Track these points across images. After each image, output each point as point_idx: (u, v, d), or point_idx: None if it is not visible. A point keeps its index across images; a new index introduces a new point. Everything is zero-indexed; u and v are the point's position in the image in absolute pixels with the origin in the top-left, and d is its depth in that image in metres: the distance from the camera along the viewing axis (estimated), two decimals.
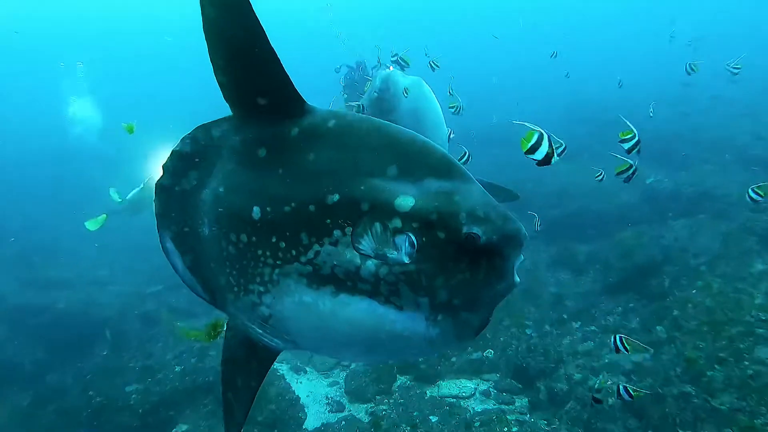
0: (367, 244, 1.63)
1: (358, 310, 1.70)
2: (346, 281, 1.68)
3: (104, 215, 9.23)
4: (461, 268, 1.61)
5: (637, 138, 4.24)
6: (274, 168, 1.82)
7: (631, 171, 4.46)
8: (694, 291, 5.66)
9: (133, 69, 42.87)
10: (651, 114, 7.41)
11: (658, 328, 5.58)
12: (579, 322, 6.77)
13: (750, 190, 4.81)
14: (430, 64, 4.28)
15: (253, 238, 1.83)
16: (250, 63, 1.85)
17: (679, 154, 10.35)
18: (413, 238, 1.60)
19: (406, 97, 3.96)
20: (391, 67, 4.72)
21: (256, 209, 1.81)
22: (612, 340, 3.98)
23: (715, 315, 4.98)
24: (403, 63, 4.44)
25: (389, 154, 1.71)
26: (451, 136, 4.75)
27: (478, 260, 1.62)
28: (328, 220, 1.68)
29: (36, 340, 8.72)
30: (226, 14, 1.79)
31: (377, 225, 1.63)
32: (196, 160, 2.06)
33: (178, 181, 2.09)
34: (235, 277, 1.92)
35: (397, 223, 1.62)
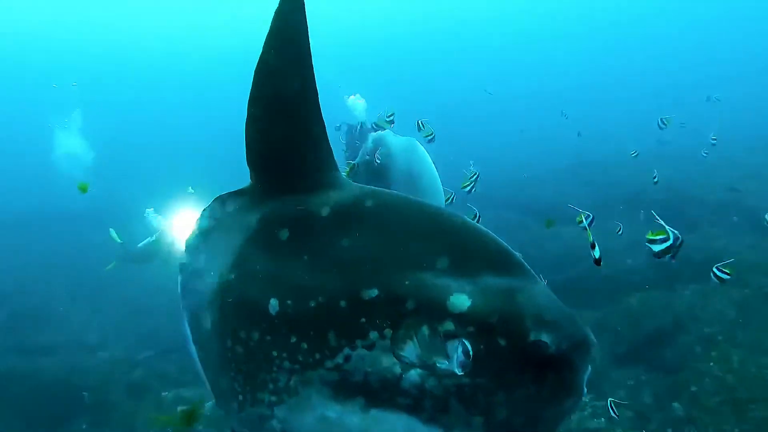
0: (411, 350, 1.36)
1: (394, 430, 1.41)
2: (382, 394, 1.40)
3: (113, 263, 9.21)
4: (525, 381, 1.34)
5: (672, 240, 3.67)
6: (299, 254, 1.56)
7: (589, 220, 4.01)
8: (711, 364, 5.29)
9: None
10: (655, 180, 7.24)
11: (675, 404, 5.18)
12: (588, 396, 6.34)
13: (715, 269, 4.32)
14: (418, 124, 4.13)
15: (268, 337, 1.54)
16: (295, 121, 1.65)
17: (685, 216, 10.13)
18: (468, 345, 1.33)
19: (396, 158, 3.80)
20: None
21: (273, 302, 1.54)
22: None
23: (737, 392, 4.61)
24: (383, 125, 4.30)
25: (439, 243, 1.46)
26: (452, 199, 4.53)
27: (545, 373, 1.35)
28: (363, 319, 1.41)
29: (16, 410, 8.30)
30: (288, 65, 1.62)
31: (425, 328, 1.36)
32: (208, 238, 1.86)
33: (192, 260, 1.89)
34: (241, 382, 1.62)
35: (450, 326, 1.35)
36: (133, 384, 8.93)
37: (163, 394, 8.59)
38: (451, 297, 1.36)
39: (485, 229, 1.54)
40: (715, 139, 10.95)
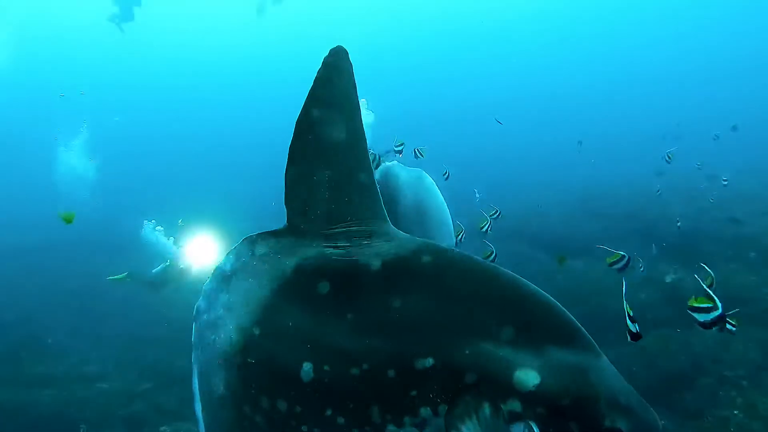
0: (470, 431, 1.21)
1: None
2: None
3: (126, 273, 9.16)
4: None
5: (720, 311, 3.30)
6: (342, 311, 1.38)
7: (623, 261, 3.77)
8: (735, 411, 4.99)
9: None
10: (678, 224, 7.01)
11: None
12: None
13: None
14: (415, 152, 3.97)
15: (297, 408, 1.34)
16: (341, 167, 1.50)
17: (700, 252, 9.86)
18: (536, 428, 1.20)
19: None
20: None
21: (307, 366, 1.35)
22: None
23: None
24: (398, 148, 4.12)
25: (502, 309, 1.31)
26: (462, 237, 4.31)
27: None
28: (414, 392, 1.25)
29: None
30: (336, 114, 1.51)
31: (486, 406, 1.22)
32: (230, 283, 1.63)
33: (209, 307, 1.68)
34: None
35: (516, 405, 1.21)
36: (131, 417, 8.70)
37: (161, 428, 8.35)
38: (516, 372, 1.22)
39: (546, 294, 1.38)
40: (726, 181, 10.84)
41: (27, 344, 12.26)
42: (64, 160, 17.99)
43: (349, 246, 1.48)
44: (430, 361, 1.24)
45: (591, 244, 11.24)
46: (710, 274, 3.64)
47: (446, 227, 3.84)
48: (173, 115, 45.71)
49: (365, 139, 1.54)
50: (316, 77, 1.51)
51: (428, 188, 3.80)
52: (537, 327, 1.28)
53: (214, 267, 1.75)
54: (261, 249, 1.61)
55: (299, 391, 1.34)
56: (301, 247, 1.54)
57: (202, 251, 9.10)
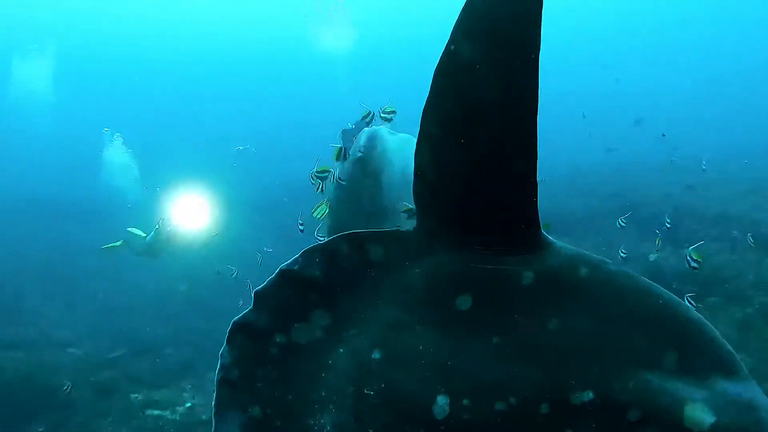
0: None
1: None
2: None
3: (121, 242, 8.95)
4: None
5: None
6: (485, 333, 1.15)
7: None
8: None
9: None
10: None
11: None
12: None
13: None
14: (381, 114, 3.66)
15: None
16: (494, 145, 1.16)
17: (684, 230, 9.84)
18: None
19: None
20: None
21: (442, 400, 1.11)
22: None
23: None
24: (387, 116, 3.80)
25: (665, 333, 1.12)
26: None
27: None
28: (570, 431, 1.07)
29: None
30: (501, 59, 1.08)
31: None
32: (328, 294, 1.28)
33: (284, 326, 1.29)
34: None
35: None
36: (101, 384, 8.49)
37: (132, 396, 8.17)
38: (686, 408, 1.03)
39: (699, 315, 1.17)
40: (705, 167, 10.86)
41: None
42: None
43: (492, 252, 1.23)
44: (589, 395, 1.06)
45: (572, 223, 11.22)
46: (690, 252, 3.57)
47: None
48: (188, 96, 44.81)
49: (536, 107, 1.10)
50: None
51: None
52: (701, 354, 1.10)
53: (280, 271, 1.32)
54: (377, 253, 1.30)
55: (432, 429, 1.11)
56: (432, 253, 1.27)
57: (190, 213, 8.95)
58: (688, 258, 4.05)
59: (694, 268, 4.04)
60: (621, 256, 6.99)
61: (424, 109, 1.19)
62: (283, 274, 1.30)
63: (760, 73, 39.53)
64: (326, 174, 3.88)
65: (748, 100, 37.22)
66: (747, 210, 10.50)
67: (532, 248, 1.22)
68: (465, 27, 1.08)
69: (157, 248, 9.37)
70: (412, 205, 3.40)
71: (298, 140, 28.78)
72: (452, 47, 1.09)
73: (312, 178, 3.92)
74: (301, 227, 5.31)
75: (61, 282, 13.22)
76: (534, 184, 1.20)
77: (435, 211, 1.27)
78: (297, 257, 1.32)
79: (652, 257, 8.81)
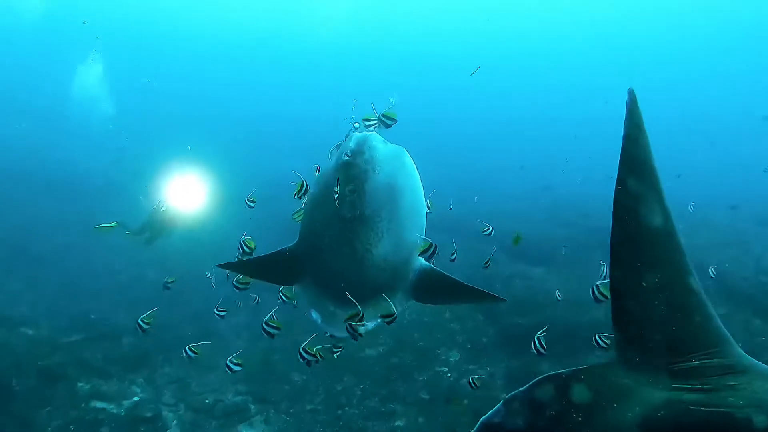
0: None
1: None
2: None
3: (115, 223, 8.70)
4: None
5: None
6: None
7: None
8: None
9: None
10: None
11: None
12: None
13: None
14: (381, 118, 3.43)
15: None
16: (668, 266, 1.21)
17: None
18: None
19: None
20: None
21: None
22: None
23: None
24: (387, 121, 3.53)
25: None
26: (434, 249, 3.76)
27: None
28: None
29: None
30: (645, 187, 1.23)
31: None
32: None
33: None
34: None
35: None
36: (48, 369, 8.13)
37: (78, 384, 7.84)
38: None
39: None
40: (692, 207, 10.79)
41: None
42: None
43: (706, 388, 1.14)
44: None
45: (551, 254, 11.08)
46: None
47: (418, 217, 3.39)
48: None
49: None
50: (625, 134, 1.23)
51: (406, 168, 3.33)
52: None
53: (482, 425, 1.28)
54: (581, 394, 1.21)
55: None
56: (641, 391, 1.18)
57: (185, 196, 8.76)
58: (596, 292, 4.02)
59: (600, 300, 4.03)
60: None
61: (612, 233, 1.26)
62: (485, 427, 1.24)
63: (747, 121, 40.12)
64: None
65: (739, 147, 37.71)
66: (725, 260, 10.39)
67: (742, 378, 1.13)
68: (625, 161, 1.25)
69: (154, 230, 9.13)
70: (432, 242, 3.19)
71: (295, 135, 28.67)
72: (623, 179, 1.24)
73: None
74: (251, 204, 5.33)
75: (26, 258, 12.84)
76: (707, 301, 1.19)
77: (635, 342, 1.21)
78: (498, 408, 1.26)
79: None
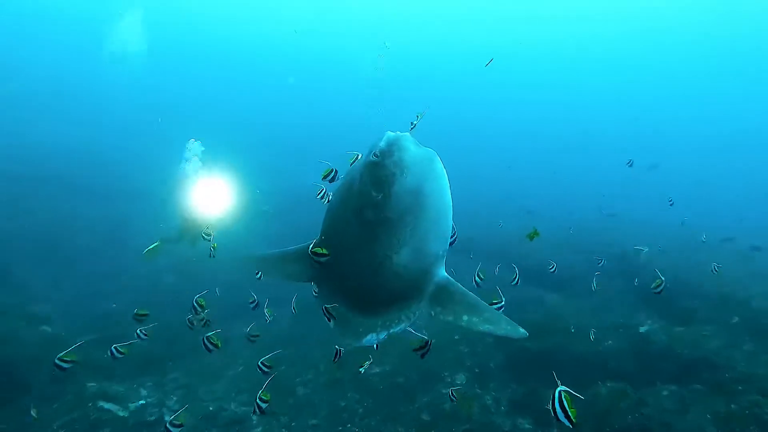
0: None
1: None
2: None
3: (158, 242, 8.83)
4: None
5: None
6: None
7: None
8: None
9: None
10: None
11: None
12: None
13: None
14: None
15: None
16: None
17: (677, 306, 9.34)
18: None
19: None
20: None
21: None
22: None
23: None
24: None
25: None
26: (455, 239, 3.56)
27: None
28: None
29: None
30: None
31: None
32: None
33: None
34: None
35: None
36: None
37: (88, 384, 7.96)
38: None
39: None
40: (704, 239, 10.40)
41: None
42: None
43: None
44: None
45: (566, 279, 10.81)
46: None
47: (444, 226, 3.13)
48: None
49: None
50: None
51: (436, 173, 3.08)
52: None
53: None
54: None
55: None
56: None
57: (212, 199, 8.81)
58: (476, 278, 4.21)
59: (477, 284, 4.15)
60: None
61: None
62: None
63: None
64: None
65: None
66: (754, 295, 9.94)
67: None
68: None
69: (193, 233, 9.23)
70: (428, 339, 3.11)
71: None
72: None
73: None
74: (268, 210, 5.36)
75: (56, 258, 13.18)
76: None
77: None
78: None
79: (642, 329, 8.38)
